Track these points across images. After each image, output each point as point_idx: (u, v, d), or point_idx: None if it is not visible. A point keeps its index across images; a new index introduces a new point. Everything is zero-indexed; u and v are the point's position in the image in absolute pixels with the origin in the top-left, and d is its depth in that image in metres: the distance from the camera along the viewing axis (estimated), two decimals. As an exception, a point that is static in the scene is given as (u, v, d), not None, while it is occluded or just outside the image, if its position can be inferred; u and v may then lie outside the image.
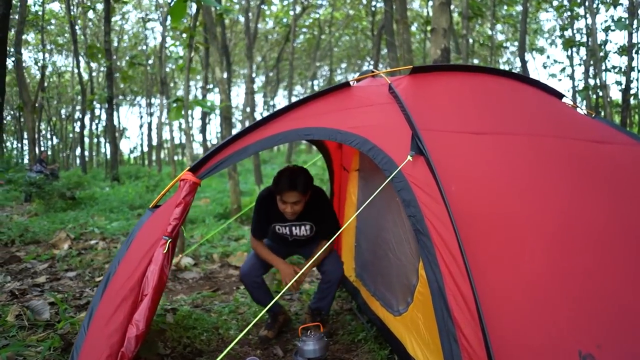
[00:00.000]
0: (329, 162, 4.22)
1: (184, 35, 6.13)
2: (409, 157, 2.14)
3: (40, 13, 20.20)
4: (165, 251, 2.44)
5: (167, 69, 25.85)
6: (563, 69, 17.31)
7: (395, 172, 2.12)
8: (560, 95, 3.04)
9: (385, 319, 2.95)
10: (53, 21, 23.40)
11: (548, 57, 31.66)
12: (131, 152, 48.83)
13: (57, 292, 4.41)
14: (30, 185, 10.70)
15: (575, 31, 16.12)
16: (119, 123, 36.49)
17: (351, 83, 2.67)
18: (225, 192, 11.91)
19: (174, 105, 5.70)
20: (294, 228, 3.34)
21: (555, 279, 2.02)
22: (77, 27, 21.95)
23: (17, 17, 15.75)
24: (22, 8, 15.52)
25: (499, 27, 21.80)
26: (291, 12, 19.53)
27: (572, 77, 17.41)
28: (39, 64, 24.51)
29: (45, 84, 26.58)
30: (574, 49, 16.36)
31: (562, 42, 16.31)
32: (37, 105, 25.72)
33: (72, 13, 19.04)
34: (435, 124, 2.37)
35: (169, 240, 2.46)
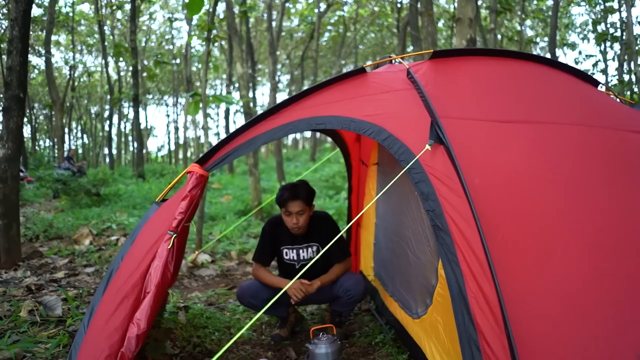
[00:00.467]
0: (347, 156, 4.05)
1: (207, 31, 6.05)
2: (427, 146, 1.96)
3: (70, 14, 20.56)
4: (169, 247, 2.32)
5: (194, 68, 26.09)
6: (596, 63, 16.69)
7: (412, 162, 1.95)
8: (595, 83, 2.80)
9: (404, 321, 2.77)
10: (83, 22, 23.82)
11: (580, 52, 30.61)
12: (159, 150, 49.56)
13: (73, 288, 4.38)
14: (57, 182, 10.86)
15: (608, 25, 15.51)
16: (147, 122, 37.04)
17: (367, 69, 2.50)
18: (247, 189, 11.86)
19: (191, 100, 5.61)
20: (301, 251, 3.26)
21: (593, 283, 1.81)
22: (105, 28, 22.29)
23: (46, 17, 16.08)
24: (51, 9, 15.80)
25: (528, 22, 21.20)
26: (316, 10, 19.38)
27: (605, 72, 16.78)
28: (70, 64, 25.03)
29: (76, 84, 27.14)
30: (608, 44, 15.75)
31: (594, 36, 15.72)
32: (68, 104, 26.32)
33: (100, 12, 19.31)
34: (457, 111, 2.18)
35: (174, 236, 2.34)
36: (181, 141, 34.69)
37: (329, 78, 2.46)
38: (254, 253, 3.33)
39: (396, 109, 2.24)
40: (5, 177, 5.03)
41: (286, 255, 3.29)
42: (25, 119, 28.19)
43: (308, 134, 35.71)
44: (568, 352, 1.64)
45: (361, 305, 3.81)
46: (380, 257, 3.46)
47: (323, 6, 19.83)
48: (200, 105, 5.73)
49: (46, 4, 16.33)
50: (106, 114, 28.59)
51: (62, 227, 7.49)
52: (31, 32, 18.20)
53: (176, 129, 35.29)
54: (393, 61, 2.77)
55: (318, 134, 24.63)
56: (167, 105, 40.34)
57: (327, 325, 2.92)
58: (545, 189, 2.03)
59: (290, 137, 43.89)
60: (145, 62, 24.56)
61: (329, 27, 24.49)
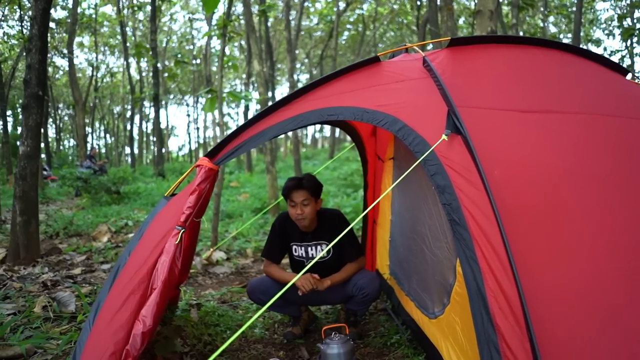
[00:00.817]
0: (362, 151, 3.93)
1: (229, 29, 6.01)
2: (444, 136, 1.86)
3: (93, 16, 20.86)
4: (177, 242, 2.26)
5: (213, 68, 26.26)
6: (622, 59, 16.21)
7: (427, 153, 1.85)
8: (624, 72, 2.64)
9: (420, 321, 2.66)
10: (106, 23, 24.14)
11: (605, 49, 29.78)
12: (180, 149, 50.03)
13: (88, 284, 4.37)
14: (78, 180, 11.01)
15: (635, 20, 15.06)
16: (168, 122, 37.40)
17: (381, 58, 2.40)
18: (265, 188, 11.83)
19: (208, 96, 5.57)
20: (309, 249, 3.17)
21: (621, 283, 1.68)
22: (127, 29, 22.54)
23: (69, 19, 16.33)
24: (74, 10, 16.05)
25: (551, 18, 20.72)
26: (335, 9, 19.26)
27: (632, 68, 16.30)
28: (94, 65, 25.41)
29: (99, 84, 27.57)
30: (634, 39, 15.27)
31: (620, 32, 15.29)
32: (91, 104, 26.74)
33: (122, 13, 19.52)
34: (476, 100, 2.07)
35: (182, 231, 2.28)
36: (201, 140, 35.00)
37: (341, 68, 2.37)
38: (263, 249, 3.26)
39: (411, 98, 2.13)
40: (24, 174, 5.06)
41: (295, 251, 3.21)
42: (50, 119, 28.84)
43: (327, 132, 35.63)
44: (595, 356, 1.52)
45: (377, 305, 3.71)
46: (396, 255, 3.36)
47: (342, 5, 19.70)
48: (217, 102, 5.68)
49: (70, 5, 16.59)
50: (128, 114, 28.98)
51: (81, 225, 7.56)
52: (56, 34, 18.50)
53: (197, 128, 35.58)
54: (409, 51, 2.67)
55: (337, 132, 24.53)
56: (187, 105, 40.70)
57: (339, 324, 2.83)
58: (570, 182, 1.90)
59: (309, 135, 43.76)
60: (167, 63, 24.79)
61: (348, 26, 24.34)
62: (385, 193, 2.13)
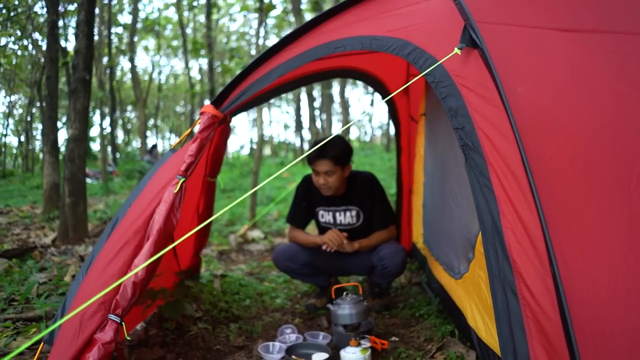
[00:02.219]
0: (394, 112, 3.64)
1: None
2: (456, 50, 1.57)
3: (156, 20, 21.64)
4: (176, 191, 2.11)
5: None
6: None
7: (434, 66, 1.57)
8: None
9: (448, 285, 2.36)
10: (169, 26, 24.94)
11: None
12: (241, 148, 50.96)
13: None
14: (134, 172, 11.41)
15: None
16: (228, 121, 37.99)
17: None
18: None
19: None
20: (337, 214, 2.93)
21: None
22: (188, 30, 23.12)
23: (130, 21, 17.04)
24: (134, 11, 16.73)
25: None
26: None
27: None
28: (157, 69, 26.42)
29: (163, 85, 28.63)
30: None
31: None
32: (155, 105, 27.82)
33: (182, 15, 20.07)
34: (501, 17, 1.76)
35: (182, 180, 2.13)
36: (256, 139, 35.46)
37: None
38: (287, 214, 3.06)
39: (426, 19, 1.85)
40: (72, 156, 5.16)
41: (322, 217, 2.98)
42: (121, 122, 30.24)
43: (383, 126, 34.99)
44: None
45: (412, 278, 3.41)
46: (428, 220, 3.05)
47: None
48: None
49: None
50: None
51: (133, 210, 7.72)
52: (124, 39, 19.32)
53: (255, 127, 36.00)
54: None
55: (392, 129, 23.96)
56: (247, 104, 41.33)
57: (351, 283, 2.59)
58: (618, 104, 1.55)
59: (368, 133, 43.17)
60: (227, 62, 25.20)
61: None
62: (395, 93, 1.86)
